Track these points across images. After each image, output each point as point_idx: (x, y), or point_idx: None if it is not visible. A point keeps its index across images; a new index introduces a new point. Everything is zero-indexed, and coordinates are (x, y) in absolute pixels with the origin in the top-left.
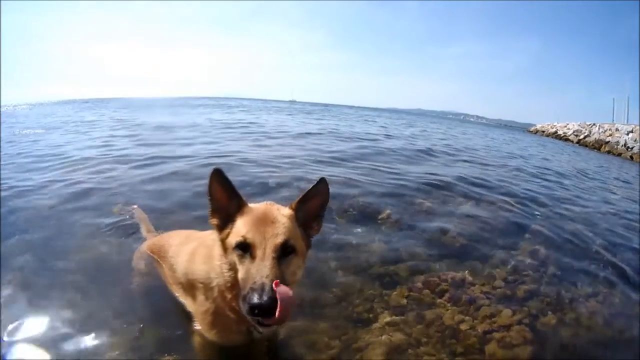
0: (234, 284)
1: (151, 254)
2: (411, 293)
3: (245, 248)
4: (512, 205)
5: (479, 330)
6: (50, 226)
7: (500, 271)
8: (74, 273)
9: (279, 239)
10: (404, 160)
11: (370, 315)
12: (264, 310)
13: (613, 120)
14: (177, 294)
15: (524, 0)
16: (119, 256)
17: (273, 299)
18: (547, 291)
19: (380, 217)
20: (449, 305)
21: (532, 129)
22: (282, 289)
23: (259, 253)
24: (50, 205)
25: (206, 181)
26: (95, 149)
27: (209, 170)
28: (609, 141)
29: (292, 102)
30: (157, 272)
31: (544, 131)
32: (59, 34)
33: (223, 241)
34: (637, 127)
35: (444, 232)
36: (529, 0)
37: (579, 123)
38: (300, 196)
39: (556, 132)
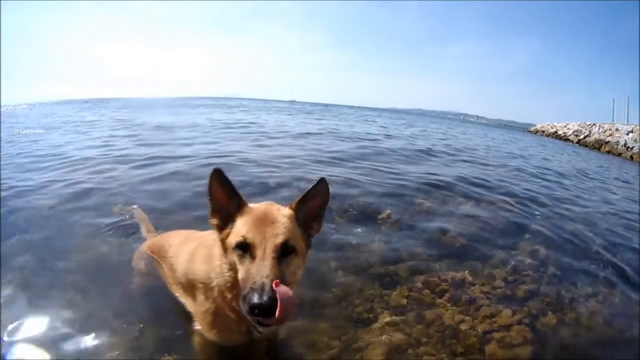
0: (234, 284)
1: (151, 254)
2: (411, 293)
3: (245, 248)
4: (512, 205)
5: (479, 330)
6: (50, 226)
7: (500, 271)
8: (74, 273)
9: (279, 239)
10: (404, 160)
11: (370, 315)
12: (264, 310)
13: (613, 120)
14: (177, 294)
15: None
16: (119, 256)
17: (273, 299)
18: (547, 291)
19: (380, 217)
20: (449, 305)
21: (532, 129)
22: (282, 289)
23: (259, 253)
24: (50, 205)
25: (206, 181)
26: (95, 149)
27: (209, 170)
28: (609, 141)
29: (292, 102)
30: (157, 272)
31: (544, 131)
32: (59, 34)
33: (223, 241)
34: (637, 127)
35: (444, 232)
36: (529, 0)
37: (579, 123)
38: (300, 196)
39: (556, 132)
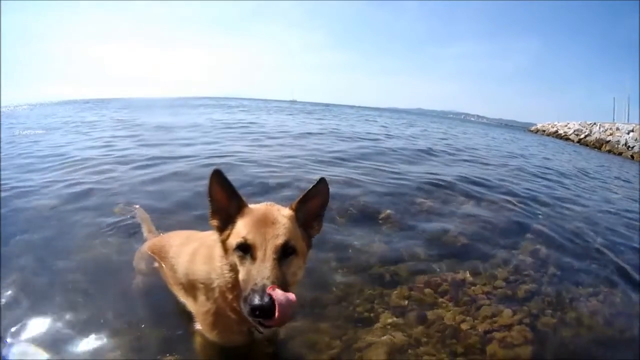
0: (234, 285)
1: (152, 255)
2: (412, 293)
3: (245, 249)
4: (513, 205)
5: (480, 330)
6: (51, 226)
7: (501, 271)
8: (74, 273)
9: (280, 240)
10: (405, 160)
11: (371, 315)
12: (264, 312)
13: (614, 120)
14: (178, 295)
15: (524, 0)
16: (119, 256)
17: (274, 300)
18: (548, 291)
19: (380, 216)
20: (449, 305)
21: (533, 128)
22: (279, 292)
23: (259, 254)
24: (51, 205)
25: (207, 181)
26: (96, 150)
27: (209, 171)
28: (609, 140)
29: (293, 102)
30: (158, 272)
31: (544, 130)
32: (59, 34)
33: (223, 242)
34: (638, 127)
35: (444, 231)
36: (529, 0)
37: (579, 122)
38: (301, 196)
39: (557, 131)
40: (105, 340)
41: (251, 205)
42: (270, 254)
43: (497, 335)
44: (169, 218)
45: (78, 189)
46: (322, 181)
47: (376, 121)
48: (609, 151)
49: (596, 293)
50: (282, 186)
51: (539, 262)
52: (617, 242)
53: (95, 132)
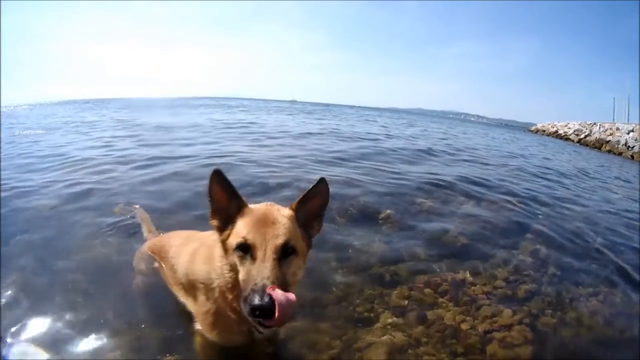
0: (234, 285)
1: (152, 255)
2: (412, 293)
3: (245, 249)
4: (513, 205)
5: (480, 330)
6: (51, 226)
7: (501, 271)
8: (74, 273)
9: (280, 240)
10: (405, 160)
11: (371, 315)
12: (265, 312)
13: (614, 120)
14: (178, 295)
15: (524, 0)
16: (119, 256)
17: (274, 300)
18: (548, 291)
19: (380, 216)
20: (449, 305)
21: (533, 128)
22: (279, 292)
23: (259, 254)
24: (51, 205)
25: (207, 181)
26: (96, 150)
27: (209, 171)
28: (609, 140)
29: (293, 102)
30: (158, 272)
31: (544, 130)
32: (59, 34)
33: (223, 242)
34: (638, 127)
35: (444, 231)
36: (529, 0)
37: (579, 122)
38: (301, 196)
39: (557, 131)
40: (105, 340)
41: (251, 205)
42: (270, 254)
43: (497, 335)
44: (169, 218)
45: (78, 189)
46: (322, 181)
47: (376, 121)
48: (609, 151)
49: (596, 293)
50: (282, 186)
51: (539, 262)
52: (617, 242)
53: (95, 132)
